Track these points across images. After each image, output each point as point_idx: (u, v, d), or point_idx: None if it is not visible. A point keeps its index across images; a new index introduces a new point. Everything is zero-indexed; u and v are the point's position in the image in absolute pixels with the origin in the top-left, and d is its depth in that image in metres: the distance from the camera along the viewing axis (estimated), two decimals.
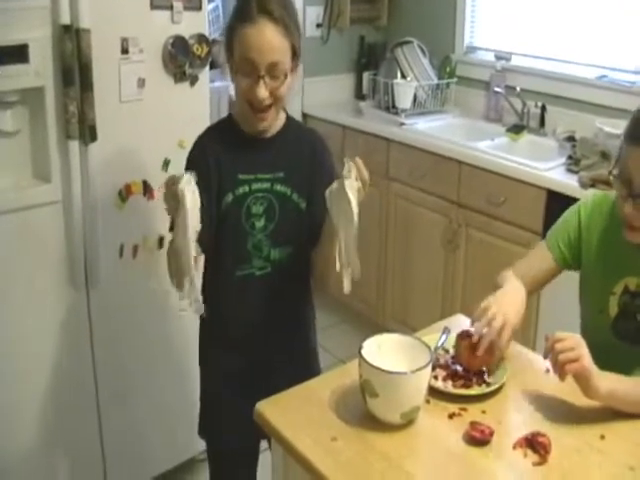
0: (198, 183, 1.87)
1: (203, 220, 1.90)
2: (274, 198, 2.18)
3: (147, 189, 2.86)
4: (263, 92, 2.03)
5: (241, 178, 2.16)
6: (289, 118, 2.26)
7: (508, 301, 1.98)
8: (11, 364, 2.68)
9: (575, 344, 1.78)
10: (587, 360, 1.76)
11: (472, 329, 1.95)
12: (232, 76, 2.12)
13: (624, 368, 1.89)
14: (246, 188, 2.16)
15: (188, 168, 2.18)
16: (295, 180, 2.20)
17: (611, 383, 1.79)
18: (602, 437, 1.74)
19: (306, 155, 2.23)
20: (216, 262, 2.20)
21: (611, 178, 1.93)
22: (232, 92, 5.89)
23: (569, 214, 2.20)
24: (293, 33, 2.05)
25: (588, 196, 2.23)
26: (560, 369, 1.77)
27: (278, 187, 2.18)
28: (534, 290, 2.24)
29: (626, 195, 1.86)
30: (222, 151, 2.17)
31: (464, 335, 1.97)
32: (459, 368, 1.96)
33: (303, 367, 2.32)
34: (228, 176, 2.15)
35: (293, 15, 2.08)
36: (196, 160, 2.19)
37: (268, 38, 1.99)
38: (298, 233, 2.23)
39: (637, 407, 1.80)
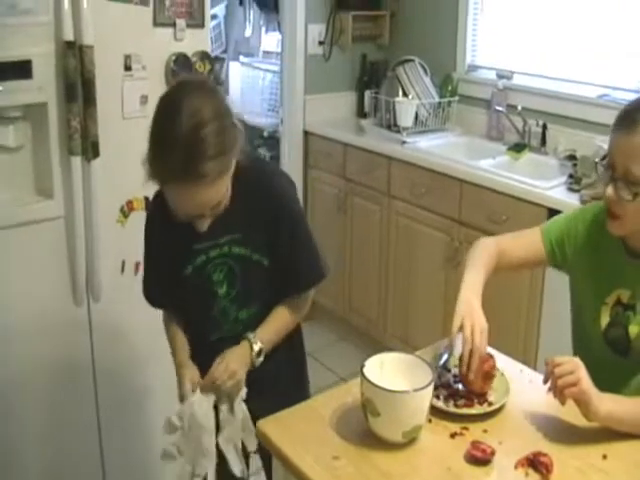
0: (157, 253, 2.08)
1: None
2: (233, 262, 2.11)
3: (149, 205, 2.86)
4: (202, 226, 1.96)
5: (197, 248, 2.09)
6: (242, 171, 1.98)
7: (475, 307, 2.01)
8: (12, 378, 2.68)
9: (573, 367, 1.78)
10: (585, 383, 1.76)
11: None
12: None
13: (615, 378, 1.91)
14: (203, 257, 2.10)
15: (146, 236, 2.22)
16: (253, 238, 2.09)
17: (610, 405, 1.79)
18: (604, 457, 1.73)
19: (263, 208, 2.08)
20: (189, 328, 2.22)
21: (599, 170, 1.99)
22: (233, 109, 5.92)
23: (571, 217, 2.23)
24: (223, 163, 1.85)
25: (591, 205, 2.26)
26: (560, 394, 1.78)
27: (236, 250, 2.10)
28: (513, 269, 2.30)
29: (608, 180, 1.90)
30: (175, 223, 1.97)
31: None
32: (461, 387, 1.96)
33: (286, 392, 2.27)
34: (184, 248, 2.09)
35: (223, 146, 1.84)
36: (151, 233, 2.21)
37: (193, 198, 1.85)
38: (263, 290, 2.16)
39: (636, 428, 1.80)
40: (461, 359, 1.94)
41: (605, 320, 2.06)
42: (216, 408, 2.07)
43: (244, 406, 2.06)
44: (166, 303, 2.25)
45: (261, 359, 2.08)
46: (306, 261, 2.17)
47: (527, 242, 2.25)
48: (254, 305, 2.17)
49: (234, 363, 2.03)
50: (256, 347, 2.07)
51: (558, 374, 1.77)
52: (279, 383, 2.25)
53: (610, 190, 1.89)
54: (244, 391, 2.05)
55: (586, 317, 2.12)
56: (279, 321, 2.18)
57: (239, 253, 2.10)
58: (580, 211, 2.24)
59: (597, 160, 2.00)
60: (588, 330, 2.11)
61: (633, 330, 1.99)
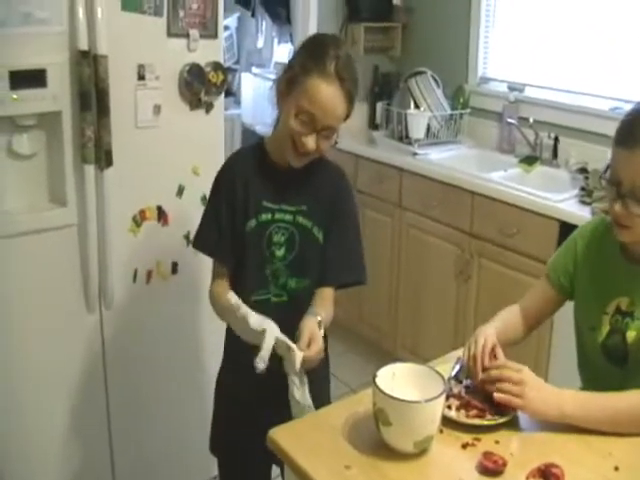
0: (225, 203, 2.16)
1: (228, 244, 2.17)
2: (296, 230, 2.21)
3: (161, 215, 2.88)
4: (312, 144, 2.09)
5: (265, 205, 2.20)
6: (325, 157, 2.29)
7: (484, 328, 2.08)
8: (26, 382, 2.69)
9: (519, 380, 1.86)
10: (528, 395, 1.84)
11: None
12: (279, 104, 2.16)
13: (614, 387, 1.89)
14: (269, 216, 2.20)
15: (215, 186, 2.27)
16: (317, 214, 2.23)
17: (571, 406, 1.84)
18: (616, 469, 1.71)
19: (329, 192, 2.26)
20: (236, 284, 2.23)
21: (603, 183, 1.99)
22: (245, 120, 5.95)
23: (567, 242, 2.24)
24: (352, 105, 2.12)
25: (588, 221, 2.29)
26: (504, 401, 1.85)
27: (300, 220, 2.21)
28: (539, 322, 2.28)
29: (615, 196, 1.89)
30: (251, 175, 2.22)
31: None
32: (472, 398, 1.95)
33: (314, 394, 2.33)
34: (253, 201, 2.20)
35: (357, 88, 2.13)
36: (224, 181, 2.25)
37: (335, 103, 2.06)
38: (316, 266, 2.24)
39: (602, 425, 1.83)
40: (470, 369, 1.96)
41: (605, 329, 2.06)
42: None
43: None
44: (218, 252, 2.26)
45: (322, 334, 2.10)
46: (353, 258, 2.30)
47: (540, 292, 2.26)
48: (305, 278, 2.24)
49: (320, 340, 2.04)
50: (323, 326, 2.09)
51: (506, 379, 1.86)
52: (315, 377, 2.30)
53: (618, 207, 1.88)
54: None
55: (587, 329, 2.12)
56: (329, 307, 2.22)
57: (303, 223, 2.22)
58: (578, 230, 2.24)
59: (601, 174, 2.00)
60: (589, 342, 2.11)
61: (631, 335, 1.98)
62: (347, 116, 2.14)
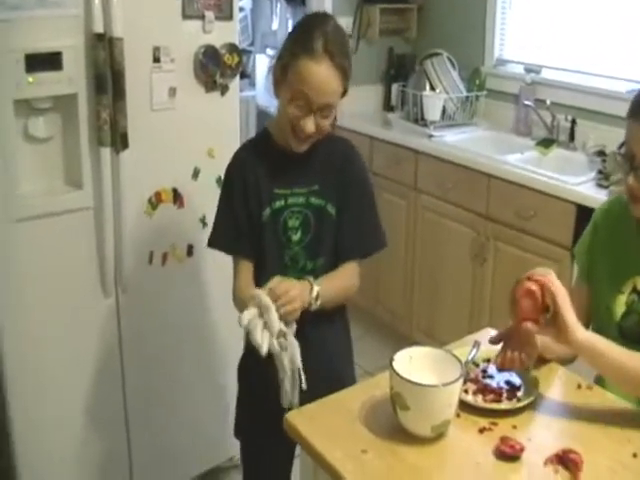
0: (239, 196, 2.16)
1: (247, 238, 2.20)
2: (310, 212, 2.23)
3: (177, 197, 2.88)
4: (310, 126, 2.09)
5: (277, 192, 2.21)
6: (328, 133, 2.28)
7: None
8: (41, 367, 2.70)
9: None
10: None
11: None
12: (276, 92, 2.16)
13: None
14: (282, 202, 2.21)
15: (227, 183, 2.28)
16: (329, 191, 2.24)
17: (590, 334, 1.82)
18: (634, 455, 1.71)
19: (338, 165, 2.27)
20: (257, 275, 2.25)
21: (618, 158, 1.98)
22: (260, 101, 5.93)
23: (592, 221, 2.23)
24: (348, 78, 2.12)
25: (603, 202, 2.29)
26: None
27: (313, 200, 2.23)
28: (588, 324, 2.18)
29: (629, 169, 1.90)
30: (260, 166, 2.22)
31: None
32: (490, 382, 1.95)
33: (338, 369, 2.36)
34: (266, 190, 2.21)
35: (350, 61, 2.13)
36: (235, 176, 2.25)
37: (328, 80, 2.06)
38: (332, 243, 2.26)
39: (613, 370, 1.83)
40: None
41: (621, 309, 2.05)
42: None
43: (295, 341, 2.04)
44: (238, 247, 2.26)
45: (318, 303, 2.10)
46: (370, 226, 2.33)
47: (577, 292, 2.15)
48: (321, 257, 2.26)
49: (295, 290, 2.04)
50: (316, 287, 2.10)
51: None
52: (334, 358, 2.34)
53: (632, 180, 1.89)
54: (294, 326, 2.05)
55: (602, 308, 2.10)
56: (339, 279, 2.24)
57: (316, 203, 2.23)
58: (595, 212, 2.24)
59: (615, 150, 2.00)
60: (604, 321, 2.10)
61: None
62: (344, 90, 2.14)
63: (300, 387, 2.03)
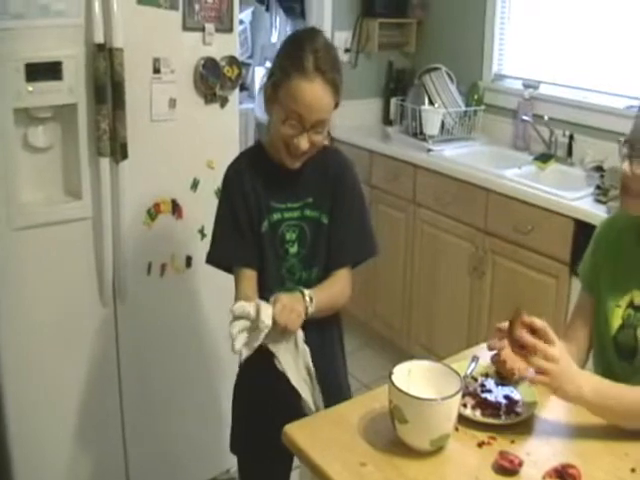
0: (241, 207, 2.16)
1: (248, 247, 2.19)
2: (305, 224, 2.23)
3: (176, 208, 2.88)
4: (304, 144, 2.10)
5: (274, 206, 2.21)
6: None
7: None
8: (38, 376, 2.69)
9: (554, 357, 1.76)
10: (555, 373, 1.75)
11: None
12: (268, 110, 2.16)
13: (622, 382, 1.87)
14: (279, 215, 2.22)
15: (226, 193, 2.27)
16: (323, 201, 2.24)
17: (593, 386, 1.78)
18: (633, 470, 1.70)
19: (332, 175, 2.27)
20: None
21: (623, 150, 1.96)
22: (258, 114, 5.93)
23: (594, 237, 2.21)
24: (339, 91, 2.13)
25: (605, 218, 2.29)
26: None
27: (308, 212, 2.24)
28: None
29: (626, 155, 1.90)
30: (257, 179, 2.22)
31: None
32: (488, 397, 1.94)
33: (332, 379, 2.34)
34: (263, 203, 2.20)
35: (341, 75, 2.14)
36: (235, 186, 2.24)
37: (320, 97, 2.06)
38: (323, 253, 2.26)
39: (617, 417, 1.80)
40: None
41: (617, 323, 2.04)
42: None
43: (306, 347, 2.07)
44: (242, 257, 2.24)
45: (312, 309, 2.09)
46: (361, 233, 2.31)
47: (581, 306, 2.18)
48: (316, 267, 2.26)
49: (296, 304, 2.04)
50: (307, 291, 2.10)
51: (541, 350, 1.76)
52: (333, 371, 2.36)
53: (626, 165, 1.89)
54: (301, 333, 2.06)
55: (602, 320, 2.09)
56: (330, 287, 2.23)
57: (311, 216, 2.24)
58: (600, 223, 2.24)
59: (620, 140, 2.00)
60: (603, 333, 2.08)
61: None
62: (336, 104, 2.14)
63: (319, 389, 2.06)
